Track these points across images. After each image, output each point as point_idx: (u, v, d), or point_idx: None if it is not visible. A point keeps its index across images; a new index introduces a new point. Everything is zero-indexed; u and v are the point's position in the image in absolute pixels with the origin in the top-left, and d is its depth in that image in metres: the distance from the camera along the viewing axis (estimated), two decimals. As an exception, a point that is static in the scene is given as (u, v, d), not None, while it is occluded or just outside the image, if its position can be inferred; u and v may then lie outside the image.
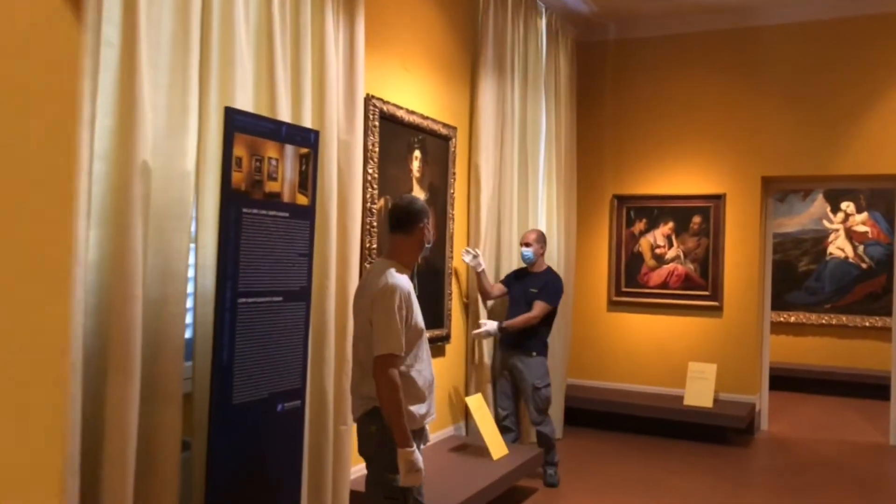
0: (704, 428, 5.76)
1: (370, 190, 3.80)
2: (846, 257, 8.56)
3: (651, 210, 6.34)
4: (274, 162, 2.63)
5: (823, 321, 8.60)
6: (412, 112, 4.19)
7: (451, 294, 4.78)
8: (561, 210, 5.78)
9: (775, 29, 5.99)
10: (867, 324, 8.39)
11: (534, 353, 4.74)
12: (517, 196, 5.21)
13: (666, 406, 5.83)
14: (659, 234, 6.32)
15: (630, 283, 6.41)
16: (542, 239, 4.86)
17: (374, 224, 3.85)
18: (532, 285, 4.78)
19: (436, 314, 4.67)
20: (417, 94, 4.35)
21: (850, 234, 8.55)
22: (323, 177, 3.17)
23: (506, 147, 5.04)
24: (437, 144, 4.54)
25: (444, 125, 4.57)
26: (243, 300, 2.52)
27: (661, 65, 6.33)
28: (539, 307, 4.69)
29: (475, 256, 4.74)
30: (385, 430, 2.56)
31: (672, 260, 6.26)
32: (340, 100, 3.31)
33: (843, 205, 8.59)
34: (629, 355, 6.42)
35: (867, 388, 7.97)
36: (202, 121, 2.63)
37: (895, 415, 5.94)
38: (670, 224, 6.27)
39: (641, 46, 6.40)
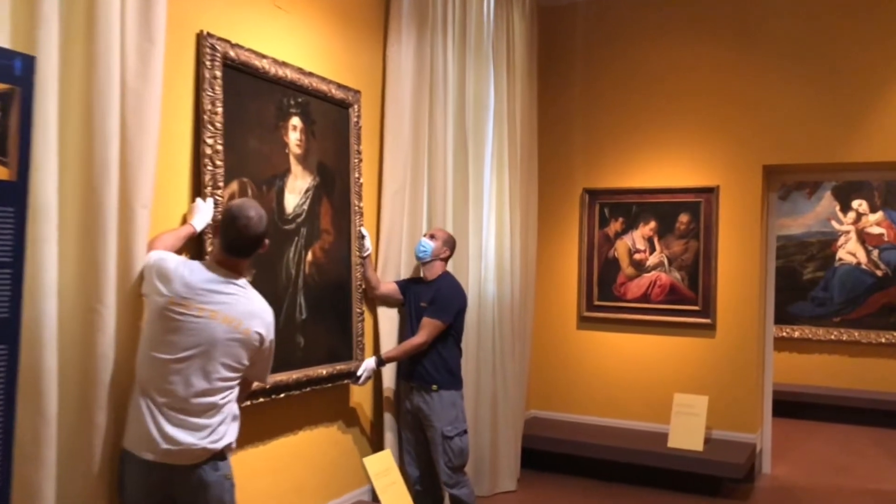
0: (694, 476, 4.63)
1: (210, 168, 2.68)
2: (858, 263, 7.47)
3: (629, 207, 5.22)
4: (-79, 102, 1.50)
5: (832, 336, 7.51)
6: (283, 64, 3.07)
7: (362, 314, 3.64)
8: (516, 206, 4.66)
9: (779, -14, 4.89)
10: (882, 340, 7.30)
11: (434, 388, 3.63)
12: (452, 187, 4.08)
13: (646, 449, 4.70)
14: (638, 236, 5.20)
15: (604, 295, 5.29)
16: (450, 242, 3.83)
17: (219, 215, 2.74)
18: (423, 297, 3.71)
19: (342, 343, 3.52)
20: (297, 42, 3.24)
21: (863, 237, 7.46)
22: (93, 141, 2.05)
23: (436, 125, 3.92)
24: (329, 112, 3.42)
25: (340, 86, 3.43)
26: None
27: (641, 32, 5.22)
28: (427, 328, 3.60)
29: (361, 238, 3.64)
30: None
31: (654, 267, 5.14)
32: (129, 25, 2.18)
33: (855, 203, 7.50)
34: (603, 383, 5.29)
35: (883, 414, 6.88)
36: None
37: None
38: (652, 224, 5.15)
39: (618, 9, 5.29)
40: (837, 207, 7.58)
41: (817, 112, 4.78)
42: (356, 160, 3.56)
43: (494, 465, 4.48)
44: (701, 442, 4.66)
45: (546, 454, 4.99)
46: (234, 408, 2.28)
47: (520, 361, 4.80)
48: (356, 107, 3.55)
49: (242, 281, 2.31)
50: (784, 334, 7.64)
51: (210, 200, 2.65)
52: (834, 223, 7.59)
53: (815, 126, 4.78)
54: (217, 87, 2.72)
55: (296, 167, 3.22)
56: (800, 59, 4.81)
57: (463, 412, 3.71)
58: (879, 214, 7.38)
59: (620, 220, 5.24)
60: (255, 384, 2.59)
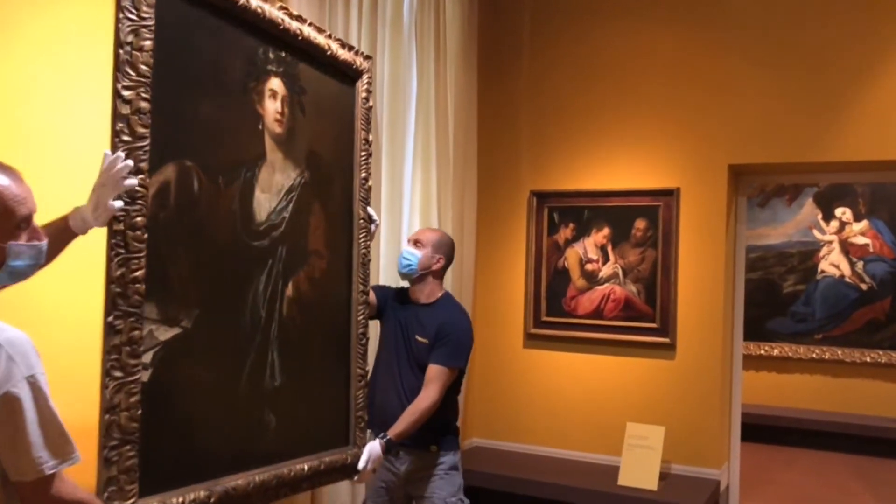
0: (646, 519, 4.05)
1: (127, 138, 1.75)
2: (841, 276, 6.94)
3: (580, 211, 4.65)
4: None
5: (814, 355, 6.97)
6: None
7: (365, 378, 2.66)
8: (447, 209, 4.09)
9: (747, -36, 4.34)
10: (868, 359, 6.77)
11: (433, 448, 2.88)
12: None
13: (593, 488, 4.11)
14: (590, 244, 4.63)
15: (553, 310, 4.71)
16: (443, 246, 3.00)
17: (139, 220, 1.77)
18: (418, 328, 2.88)
19: (333, 420, 2.51)
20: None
21: (847, 248, 6.93)
22: None
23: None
24: (326, 82, 2.43)
25: (343, 45, 2.50)
26: None
27: (597, 16, 4.67)
28: (437, 381, 2.75)
29: (368, 220, 2.69)
30: None
31: (608, 279, 4.56)
32: None
33: (838, 211, 6.98)
34: (552, 409, 4.71)
35: (867, 441, 6.33)
36: None
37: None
38: (605, 230, 4.58)
39: (569, -9, 4.74)
40: (819, 216, 7.06)
41: (790, 106, 4.22)
42: (363, 154, 2.57)
43: (416, 507, 3.87)
44: (655, 479, 4.07)
45: (482, 490, 4.39)
46: None
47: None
48: (366, 78, 2.57)
49: None
50: (762, 352, 7.11)
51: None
52: (816, 232, 7.06)
53: (788, 122, 4.23)
54: (145, 8, 1.77)
55: (274, 153, 2.17)
56: (770, 48, 4.26)
57: (461, 482, 3.03)
58: (864, 223, 6.86)
59: (571, 226, 4.67)
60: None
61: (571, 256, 4.67)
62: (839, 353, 6.85)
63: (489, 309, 4.86)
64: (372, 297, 2.90)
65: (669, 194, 4.40)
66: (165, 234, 1.86)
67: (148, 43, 1.78)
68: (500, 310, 4.86)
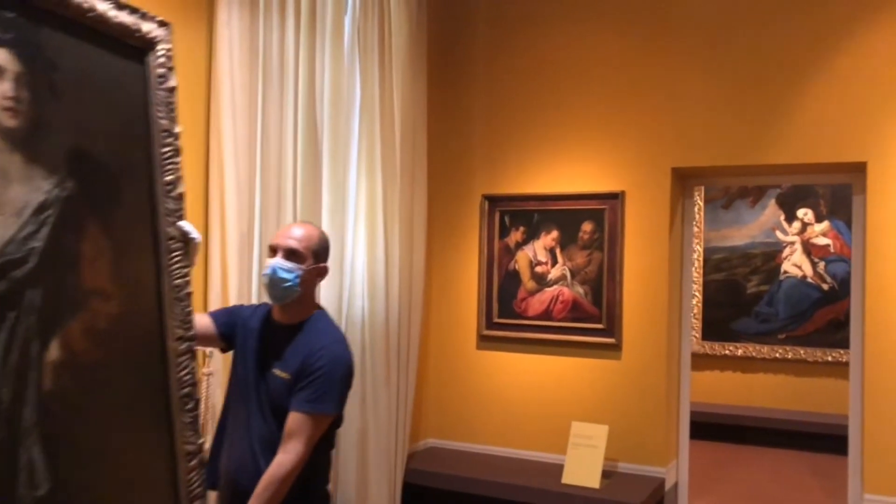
0: (590, 517, 4.13)
1: None
2: (804, 276, 7.03)
3: (530, 215, 4.73)
4: None
5: (777, 354, 7.07)
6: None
7: (196, 453, 1.84)
8: (394, 213, 4.16)
9: (690, -29, 4.43)
10: (829, 358, 6.87)
11: None
12: (301, 191, 3.58)
13: (537, 486, 4.19)
14: (540, 247, 4.71)
15: (505, 311, 4.79)
16: (324, 247, 2.36)
17: None
18: (278, 360, 2.20)
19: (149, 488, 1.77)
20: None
21: (809, 248, 7.02)
22: None
23: (269, 119, 3.42)
24: (102, 58, 1.70)
25: (121, 6, 1.73)
26: None
27: (549, 22, 4.76)
28: (301, 434, 2.08)
29: (182, 237, 1.84)
30: None
31: (556, 281, 4.64)
32: None
33: (800, 212, 7.08)
34: (504, 409, 4.79)
35: (830, 439, 6.41)
36: None
37: (854, 488, 4.31)
38: (554, 233, 4.66)
39: (519, -1, 4.83)
40: (782, 217, 7.14)
41: (731, 111, 4.30)
42: (166, 150, 1.83)
43: (363, 507, 3.92)
44: (598, 478, 4.16)
45: (432, 490, 4.47)
46: None
47: (402, 388, 4.28)
48: (161, 49, 1.83)
49: None
50: (727, 352, 7.20)
51: None
52: (779, 233, 7.15)
53: (729, 126, 4.31)
54: None
55: (6, 157, 1.44)
56: (712, 56, 4.35)
57: None
58: (825, 224, 6.96)
59: (521, 229, 4.75)
60: None
61: (522, 259, 4.75)
62: (802, 352, 6.94)
63: (442, 312, 4.94)
64: (209, 327, 2.27)
65: (615, 197, 4.49)
66: None
67: None
68: (453, 312, 4.94)
